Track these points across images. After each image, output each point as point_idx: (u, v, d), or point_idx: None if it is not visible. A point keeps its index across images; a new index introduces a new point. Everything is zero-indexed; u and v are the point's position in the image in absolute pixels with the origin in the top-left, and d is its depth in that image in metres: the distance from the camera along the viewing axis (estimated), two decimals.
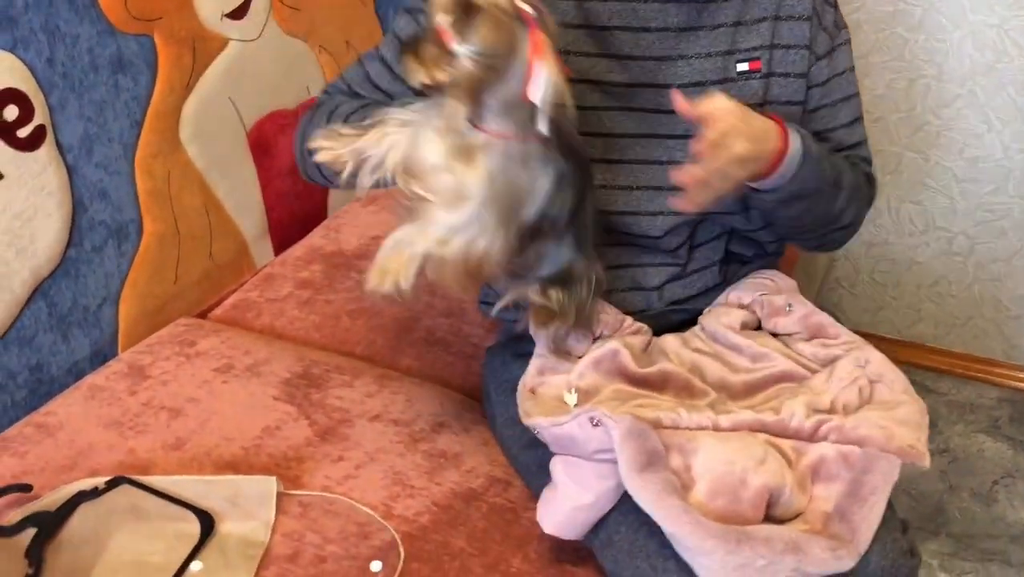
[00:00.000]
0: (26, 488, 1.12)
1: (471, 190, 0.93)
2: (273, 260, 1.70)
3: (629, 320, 1.14)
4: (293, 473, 1.17)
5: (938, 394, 1.93)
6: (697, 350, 1.13)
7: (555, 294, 1.04)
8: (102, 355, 1.43)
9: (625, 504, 0.98)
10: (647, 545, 0.95)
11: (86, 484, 1.11)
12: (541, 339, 1.10)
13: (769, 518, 0.93)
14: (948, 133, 1.81)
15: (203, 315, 1.58)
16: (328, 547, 1.07)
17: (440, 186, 0.94)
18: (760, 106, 1.11)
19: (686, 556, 0.89)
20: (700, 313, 1.19)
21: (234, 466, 1.18)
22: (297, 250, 1.71)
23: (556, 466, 0.99)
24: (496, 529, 1.10)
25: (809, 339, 1.12)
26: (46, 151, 1.28)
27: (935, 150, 1.83)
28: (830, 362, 1.10)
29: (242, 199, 1.63)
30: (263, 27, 1.60)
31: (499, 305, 1.07)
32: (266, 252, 1.72)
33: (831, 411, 1.01)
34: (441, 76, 0.87)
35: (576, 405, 1.03)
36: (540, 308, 1.05)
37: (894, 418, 0.98)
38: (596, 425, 0.94)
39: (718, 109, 0.96)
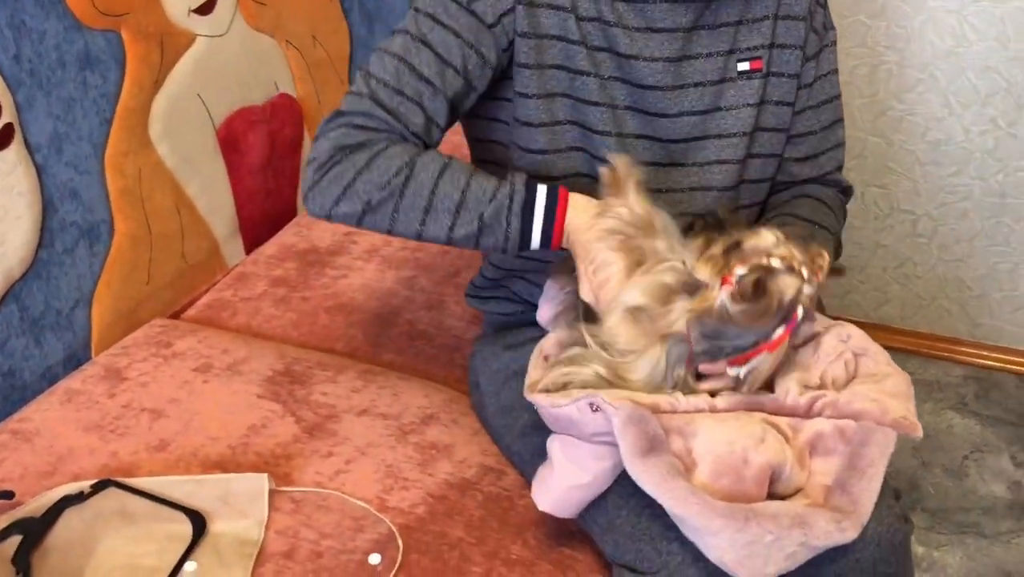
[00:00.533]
0: (8, 495, 1.09)
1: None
2: (245, 259, 1.68)
3: None
4: (283, 470, 1.15)
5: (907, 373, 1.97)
6: None
7: None
8: (76, 359, 1.40)
9: (625, 488, 0.99)
10: (650, 528, 0.95)
11: (71, 488, 1.08)
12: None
13: (771, 495, 0.94)
14: (910, 117, 1.85)
15: (176, 316, 1.55)
16: (324, 542, 1.06)
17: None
18: (757, 106, 1.11)
19: (693, 537, 0.90)
20: None
21: (222, 465, 1.16)
22: (269, 248, 1.69)
23: (553, 445, 0.99)
24: (493, 517, 1.10)
25: None
26: (15, 150, 1.24)
27: (898, 134, 1.87)
28: (812, 339, 1.11)
29: (213, 197, 1.61)
30: (230, 23, 1.58)
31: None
32: (237, 251, 1.69)
33: (822, 386, 1.03)
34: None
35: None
36: None
37: (884, 391, 0.99)
38: (596, 411, 0.94)
39: None
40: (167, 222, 1.51)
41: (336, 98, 1.86)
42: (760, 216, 1.21)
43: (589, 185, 1.09)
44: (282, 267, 1.63)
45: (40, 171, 1.29)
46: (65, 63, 1.30)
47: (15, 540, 1.01)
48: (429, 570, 1.02)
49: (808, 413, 0.99)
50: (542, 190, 1.00)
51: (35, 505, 1.05)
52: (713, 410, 1.00)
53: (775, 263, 0.89)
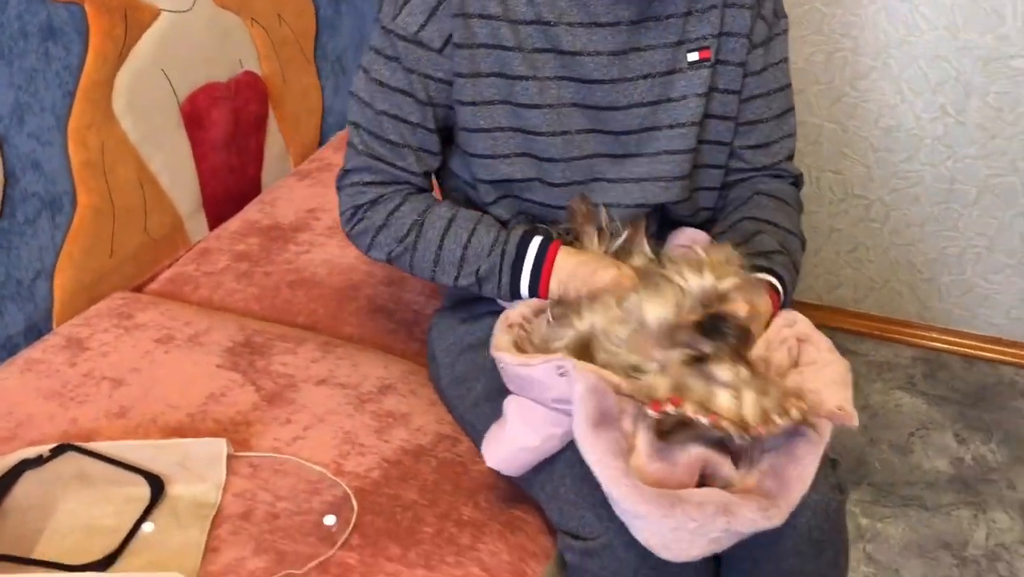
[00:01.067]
0: None
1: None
2: (208, 234, 1.69)
3: None
4: (241, 436, 1.18)
5: (858, 355, 2.02)
6: None
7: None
8: (37, 329, 1.41)
9: (571, 457, 1.02)
10: (592, 497, 0.98)
11: (30, 452, 1.10)
12: None
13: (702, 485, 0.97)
14: (864, 104, 1.89)
15: (140, 289, 1.57)
16: (280, 504, 1.08)
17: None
18: (706, 94, 1.13)
19: (623, 517, 0.93)
20: None
21: (181, 432, 1.18)
22: (233, 224, 1.70)
23: (510, 406, 1.02)
24: (446, 481, 1.13)
25: None
26: None
27: (852, 120, 1.91)
28: None
29: (176, 173, 1.62)
30: None
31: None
32: (201, 227, 1.71)
33: (766, 371, 1.05)
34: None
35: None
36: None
37: (823, 379, 1.02)
38: (562, 375, 0.96)
39: None
40: (130, 196, 1.52)
41: (301, 77, 1.88)
42: (720, 211, 1.22)
43: (540, 188, 1.13)
44: (245, 242, 1.64)
45: (2, 141, 1.30)
46: (27, 34, 1.30)
47: None
48: (382, 530, 1.05)
49: None
50: (532, 249, 1.09)
51: None
52: None
53: (703, 421, 0.89)
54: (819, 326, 2.12)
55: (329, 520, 1.06)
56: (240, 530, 1.05)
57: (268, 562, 1.01)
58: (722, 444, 0.98)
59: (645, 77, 1.11)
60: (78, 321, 1.40)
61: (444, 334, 1.27)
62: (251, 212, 1.73)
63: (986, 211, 1.90)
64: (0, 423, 1.20)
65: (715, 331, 0.93)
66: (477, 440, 1.18)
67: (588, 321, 1.03)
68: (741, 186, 1.22)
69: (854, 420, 0.97)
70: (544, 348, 1.03)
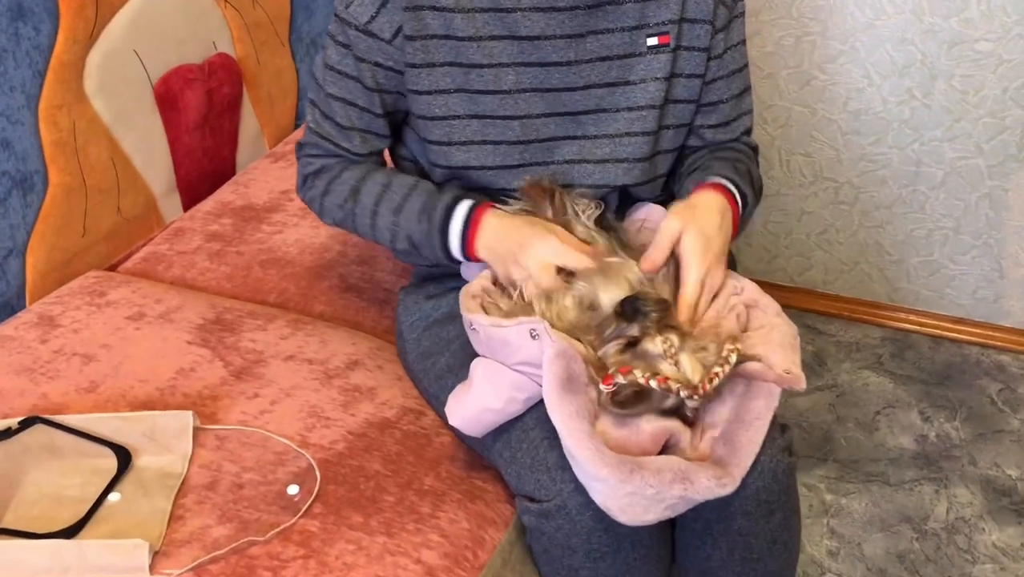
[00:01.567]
0: None
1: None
2: (182, 215, 1.71)
3: None
4: (209, 410, 1.20)
5: (828, 336, 2.06)
6: None
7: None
8: (9, 307, 1.42)
9: (527, 423, 1.05)
10: (547, 459, 1.01)
11: None
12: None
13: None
14: (833, 87, 1.92)
15: (113, 268, 1.58)
16: (245, 475, 1.10)
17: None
18: (667, 79, 1.15)
19: (582, 478, 0.95)
20: None
21: (150, 406, 1.20)
22: (207, 205, 1.72)
23: (477, 369, 1.04)
24: (409, 452, 1.15)
25: None
26: None
27: (821, 104, 1.94)
28: None
29: (149, 154, 1.63)
30: None
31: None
32: (175, 208, 1.72)
33: (716, 338, 1.08)
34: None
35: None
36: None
37: (771, 343, 1.05)
38: (534, 337, 0.99)
39: (688, 252, 1.05)
40: (102, 176, 1.54)
41: (275, 59, 1.90)
42: (676, 173, 1.26)
43: (498, 173, 1.14)
44: (218, 223, 1.66)
45: None
46: None
47: None
48: (344, 499, 1.07)
49: None
50: (459, 212, 1.11)
51: None
52: None
53: (653, 385, 0.93)
54: (789, 307, 2.16)
55: (292, 490, 1.08)
56: (205, 500, 1.07)
57: (232, 530, 1.03)
58: (679, 414, 1.01)
59: (603, 59, 1.14)
60: (50, 299, 1.42)
61: (410, 310, 1.30)
62: (225, 193, 1.75)
63: (952, 193, 1.93)
64: None
65: (634, 313, 0.97)
66: (441, 412, 1.20)
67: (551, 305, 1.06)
68: (698, 152, 1.26)
69: (801, 383, 1.00)
70: (513, 314, 1.06)
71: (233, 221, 1.66)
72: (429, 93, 1.13)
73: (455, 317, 1.20)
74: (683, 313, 1.04)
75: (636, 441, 0.98)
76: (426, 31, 1.10)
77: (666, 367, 0.95)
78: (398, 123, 1.22)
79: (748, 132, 1.28)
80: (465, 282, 1.17)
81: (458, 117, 1.14)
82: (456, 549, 1.04)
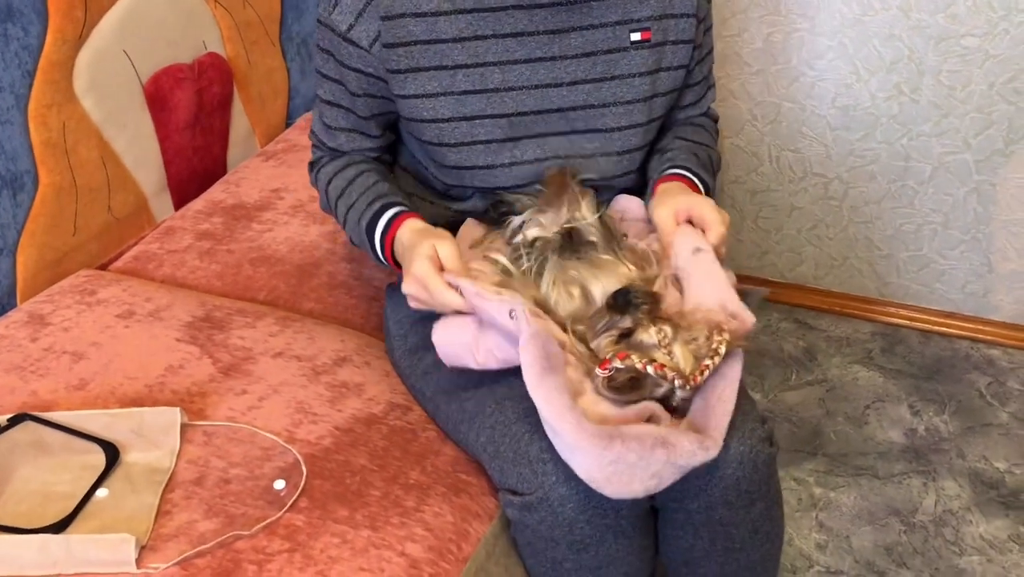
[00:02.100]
0: None
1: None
2: (173, 214, 1.72)
3: None
4: (197, 407, 1.21)
5: (819, 331, 2.06)
6: None
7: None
8: (0, 307, 1.43)
9: (509, 416, 1.06)
10: (528, 452, 1.02)
11: None
12: None
13: None
14: (821, 83, 1.92)
15: (104, 268, 1.59)
16: (232, 470, 1.11)
17: None
18: (652, 74, 1.17)
19: (565, 454, 0.97)
20: None
21: (138, 402, 1.21)
22: (197, 204, 1.73)
23: (474, 320, 1.06)
24: (396, 447, 1.16)
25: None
26: None
27: (810, 100, 1.95)
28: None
29: (140, 153, 1.64)
30: None
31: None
32: (166, 207, 1.73)
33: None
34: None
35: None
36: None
37: (706, 295, 1.06)
38: (512, 318, 1.00)
39: (697, 213, 1.12)
40: (93, 175, 1.55)
41: (266, 59, 1.90)
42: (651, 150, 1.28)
43: (492, 171, 1.16)
44: (209, 221, 1.67)
45: None
46: None
47: None
48: (330, 494, 1.08)
49: None
50: (381, 222, 1.14)
51: None
52: None
53: (649, 371, 0.96)
54: (781, 302, 2.17)
55: (279, 485, 1.09)
56: (192, 494, 1.08)
57: (218, 524, 1.04)
58: (665, 404, 1.02)
59: (587, 55, 1.15)
60: (41, 298, 1.43)
61: (397, 307, 1.30)
62: (216, 192, 1.75)
63: (940, 188, 1.94)
64: None
65: (626, 305, 0.98)
66: (427, 407, 1.22)
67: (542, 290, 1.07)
68: (666, 131, 1.29)
69: (748, 319, 1.03)
70: (502, 287, 1.08)
71: (224, 220, 1.67)
72: (416, 97, 1.14)
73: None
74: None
75: (620, 414, 0.99)
76: (409, 37, 1.12)
77: (661, 356, 0.97)
78: (392, 124, 1.24)
79: (712, 101, 1.33)
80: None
81: (446, 119, 1.15)
82: (440, 542, 1.05)
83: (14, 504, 1.06)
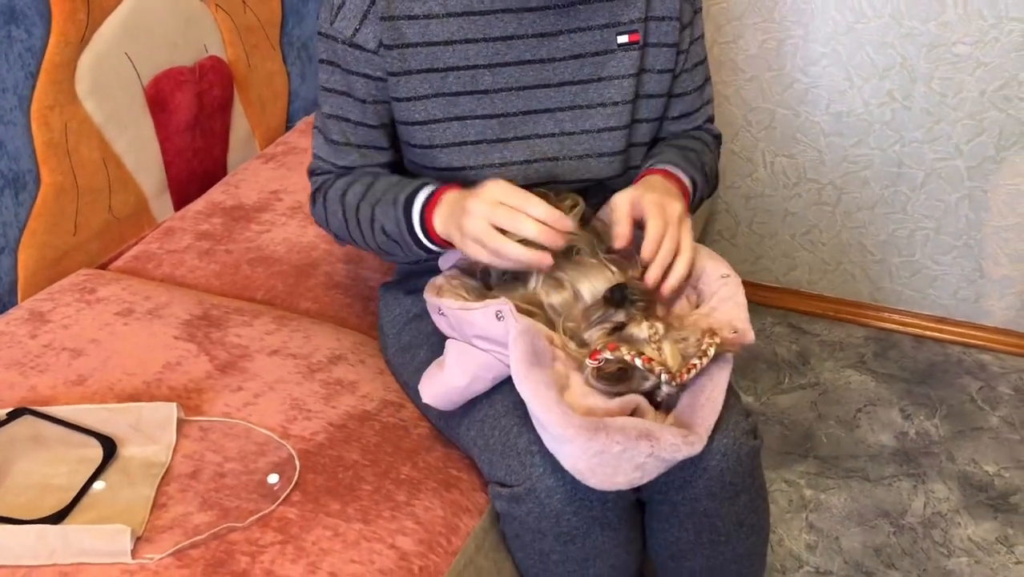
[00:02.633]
0: None
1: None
2: (173, 214, 1.74)
3: None
4: (194, 403, 1.23)
5: (812, 335, 2.08)
6: None
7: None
8: (0, 304, 1.45)
9: (498, 409, 1.08)
10: (516, 444, 1.04)
11: None
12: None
13: None
14: (815, 90, 1.95)
15: (104, 267, 1.61)
16: (227, 465, 1.13)
17: None
18: (637, 75, 1.19)
19: (551, 445, 0.99)
20: None
21: (136, 398, 1.23)
22: (197, 204, 1.75)
23: (451, 351, 1.09)
24: (388, 443, 1.18)
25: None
26: None
27: (804, 106, 1.97)
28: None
29: (141, 154, 1.66)
30: None
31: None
32: (166, 208, 1.75)
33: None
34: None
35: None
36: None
37: (719, 297, 1.09)
38: (499, 319, 1.02)
39: (647, 208, 1.07)
40: (94, 176, 1.57)
41: (266, 63, 1.93)
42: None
43: (482, 172, 1.18)
44: (208, 222, 1.69)
45: None
46: None
47: None
48: (323, 488, 1.10)
49: None
50: (422, 194, 1.10)
51: None
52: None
53: (637, 363, 0.98)
54: (775, 307, 2.18)
55: (272, 479, 1.11)
56: (188, 488, 1.10)
57: (212, 517, 1.06)
58: (650, 399, 1.04)
59: (575, 57, 1.17)
60: (42, 296, 1.45)
61: (391, 305, 1.33)
62: (215, 193, 1.78)
63: (932, 194, 1.96)
64: None
65: (622, 299, 1.01)
66: (419, 404, 1.23)
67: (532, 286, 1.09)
68: (661, 141, 1.30)
69: (748, 336, 1.05)
70: (478, 298, 1.10)
71: (223, 221, 1.69)
72: (408, 99, 1.16)
73: None
74: (651, 273, 1.06)
75: (606, 408, 1.01)
76: (403, 40, 1.13)
77: (650, 351, 0.99)
78: (396, 136, 1.24)
79: (710, 120, 1.33)
80: None
81: (438, 121, 1.17)
82: (430, 535, 1.07)
83: (13, 496, 1.08)
